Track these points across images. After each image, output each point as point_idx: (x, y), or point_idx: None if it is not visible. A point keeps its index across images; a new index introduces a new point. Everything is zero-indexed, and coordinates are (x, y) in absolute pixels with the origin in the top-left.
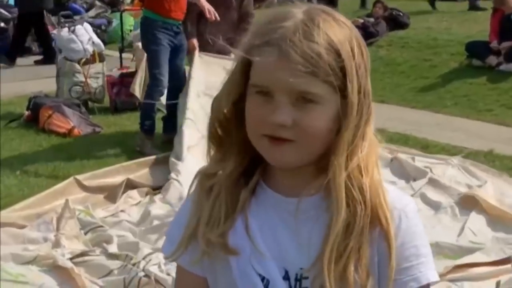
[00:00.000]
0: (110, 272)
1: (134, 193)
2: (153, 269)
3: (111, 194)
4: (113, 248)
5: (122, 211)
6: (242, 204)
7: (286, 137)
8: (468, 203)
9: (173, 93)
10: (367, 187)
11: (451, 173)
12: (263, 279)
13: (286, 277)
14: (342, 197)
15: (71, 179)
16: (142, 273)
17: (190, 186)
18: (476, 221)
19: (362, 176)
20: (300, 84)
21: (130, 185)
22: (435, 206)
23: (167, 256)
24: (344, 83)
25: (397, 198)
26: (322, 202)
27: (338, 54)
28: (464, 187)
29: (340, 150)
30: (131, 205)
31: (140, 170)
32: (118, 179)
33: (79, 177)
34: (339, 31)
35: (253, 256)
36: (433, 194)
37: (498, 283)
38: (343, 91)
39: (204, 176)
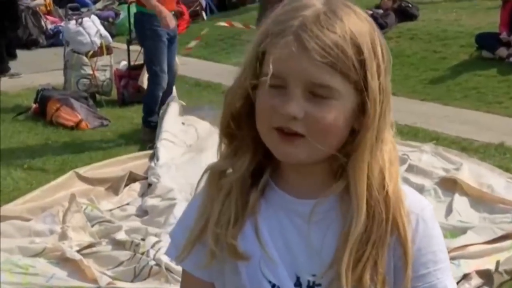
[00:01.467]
0: (120, 264)
1: (136, 185)
2: (164, 258)
3: (113, 186)
4: (120, 235)
5: (127, 204)
6: (252, 205)
7: (296, 131)
8: (449, 185)
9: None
10: (391, 193)
11: (426, 159)
12: (273, 286)
13: (297, 283)
14: (362, 203)
15: (71, 172)
16: (152, 262)
17: (199, 182)
18: (460, 202)
19: (385, 181)
20: (317, 75)
21: (132, 178)
22: (419, 189)
23: (173, 260)
24: (364, 79)
25: (414, 202)
26: (336, 206)
27: (359, 48)
28: (441, 171)
29: (361, 152)
30: (135, 198)
31: (136, 162)
32: (115, 170)
33: (78, 170)
34: (360, 25)
35: (263, 261)
36: (415, 178)
37: (498, 263)
38: (362, 88)
39: (214, 173)
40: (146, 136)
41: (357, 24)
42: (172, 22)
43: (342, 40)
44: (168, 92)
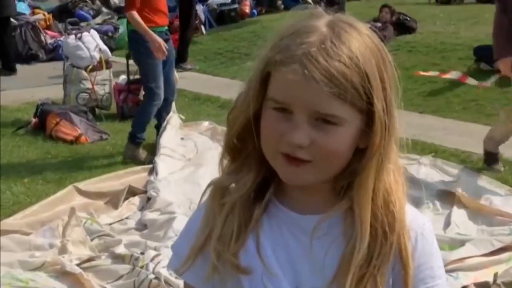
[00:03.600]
0: (120, 277)
1: (135, 199)
2: (163, 271)
3: (112, 200)
4: (120, 249)
5: (127, 218)
6: (255, 221)
7: (302, 158)
8: (447, 198)
9: (163, 103)
10: (396, 214)
11: (424, 171)
12: None
13: None
14: (366, 228)
15: (70, 187)
16: (152, 276)
17: (202, 197)
18: (458, 215)
19: (391, 202)
20: (322, 106)
21: (131, 191)
22: (417, 202)
23: (174, 272)
24: (369, 103)
25: (414, 219)
26: (340, 223)
27: (364, 73)
28: (440, 183)
29: (366, 175)
30: (134, 212)
31: (135, 176)
32: (114, 184)
33: (78, 184)
34: (364, 47)
35: (266, 275)
36: (412, 191)
37: (496, 275)
38: (367, 111)
39: (217, 188)
40: (130, 152)
41: (363, 48)
42: (163, 52)
43: (349, 70)
44: (168, 109)
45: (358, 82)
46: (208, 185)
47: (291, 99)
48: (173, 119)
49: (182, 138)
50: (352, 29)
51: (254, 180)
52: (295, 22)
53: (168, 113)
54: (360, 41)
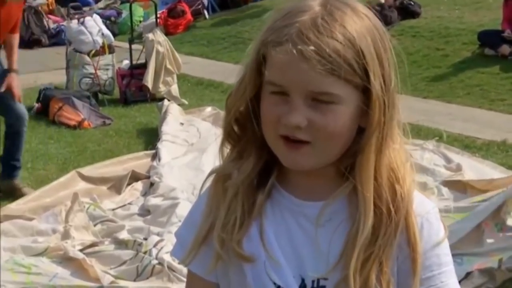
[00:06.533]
0: (123, 263)
1: (138, 185)
2: (166, 257)
3: (115, 185)
4: (123, 234)
5: (130, 203)
6: (258, 208)
7: (302, 139)
8: (453, 183)
9: (9, 133)
10: (404, 194)
11: (428, 156)
12: (278, 287)
13: (302, 285)
14: (370, 207)
15: (73, 172)
16: (155, 261)
17: (202, 185)
18: (464, 200)
19: (396, 182)
20: (317, 84)
21: (134, 177)
22: (421, 187)
23: (180, 262)
24: (366, 80)
25: (420, 204)
26: (344, 207)
27: (358, 50)
28: (443, 168)
29: (366, 153)
30: (137, 197)
31: (138, 162)
32: (117, 169)
33: (81, 169)
34: (359, 24)
35: (268, 263)
36: (417, 176)
37: (500, 260)
38: (364, 88)
39: (219, 176)
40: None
41: (357, 24)
42: None
43: (342, 45)
44: (18, 141)
45: (351, 57)
46: (210, 173)
47: (286, 80)
48: (172, 107)
49: (181, 123)
50: (346, 7)
51: (255, 166)
52: (290, 4)
53: (18, 146)
54: (354, 18)
